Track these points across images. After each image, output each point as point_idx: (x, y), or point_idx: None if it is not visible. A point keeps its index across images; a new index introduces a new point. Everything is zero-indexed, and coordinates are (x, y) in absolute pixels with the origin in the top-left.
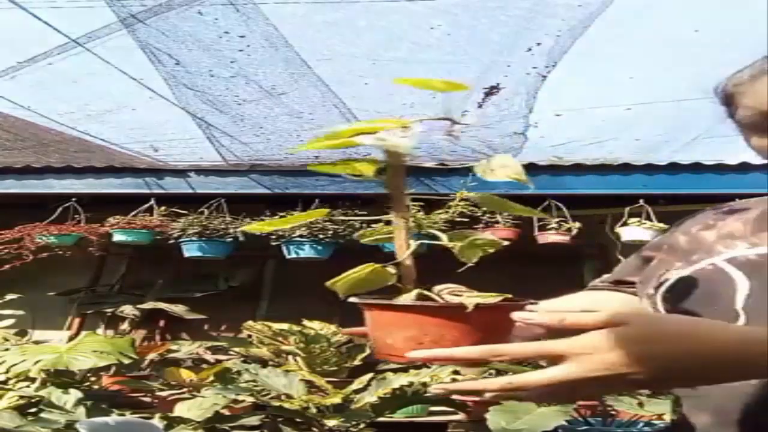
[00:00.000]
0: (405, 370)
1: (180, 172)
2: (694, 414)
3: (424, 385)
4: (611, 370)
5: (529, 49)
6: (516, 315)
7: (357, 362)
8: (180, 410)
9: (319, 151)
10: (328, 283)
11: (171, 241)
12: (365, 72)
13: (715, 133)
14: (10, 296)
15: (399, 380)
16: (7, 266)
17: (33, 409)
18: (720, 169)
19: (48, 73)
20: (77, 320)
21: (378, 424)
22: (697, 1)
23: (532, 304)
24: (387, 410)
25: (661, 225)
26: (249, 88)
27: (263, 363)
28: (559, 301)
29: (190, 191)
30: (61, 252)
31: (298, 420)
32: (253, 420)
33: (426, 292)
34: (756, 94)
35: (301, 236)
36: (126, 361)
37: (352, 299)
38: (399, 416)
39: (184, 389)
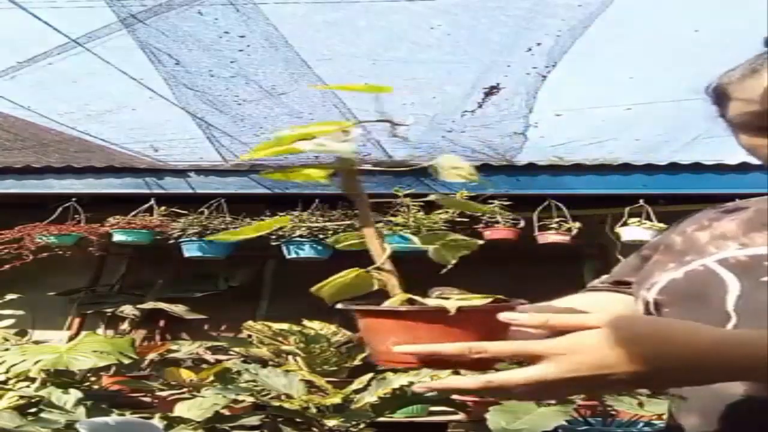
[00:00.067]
0: (405, 370)
1: (180, 172)
2: (683, 416)
3: None
4: (587, 371)
5: (529, 49)
6: (502, 316)
7: (357, 362)
8: (180, 410)
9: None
10: (313, 289)
11: (171, 241)
12: (365, 72)
13: (715, 133)
14: (10, 296)
15: (399, 380)
16: (7, 266)
17: (33, 409)
18: (720, 169)
19: (48, 73)
20: (77, 320)
21: (378, 424)
22: (697, 1)
23: (522, 304)
24: (387, 410)
25: (661, 225)
26: (249, 88)
27: (263, 363)
28: (559, 302)
29: (190, 191)
30: (61, 252)
31: (298, 420)
32: (253, 420)
33: (414, 297)
34: (746, 93)
35: (301, 236)
36: (126, 361)
37: (338, 305)
38: (399, 416)
39: (184, 389)
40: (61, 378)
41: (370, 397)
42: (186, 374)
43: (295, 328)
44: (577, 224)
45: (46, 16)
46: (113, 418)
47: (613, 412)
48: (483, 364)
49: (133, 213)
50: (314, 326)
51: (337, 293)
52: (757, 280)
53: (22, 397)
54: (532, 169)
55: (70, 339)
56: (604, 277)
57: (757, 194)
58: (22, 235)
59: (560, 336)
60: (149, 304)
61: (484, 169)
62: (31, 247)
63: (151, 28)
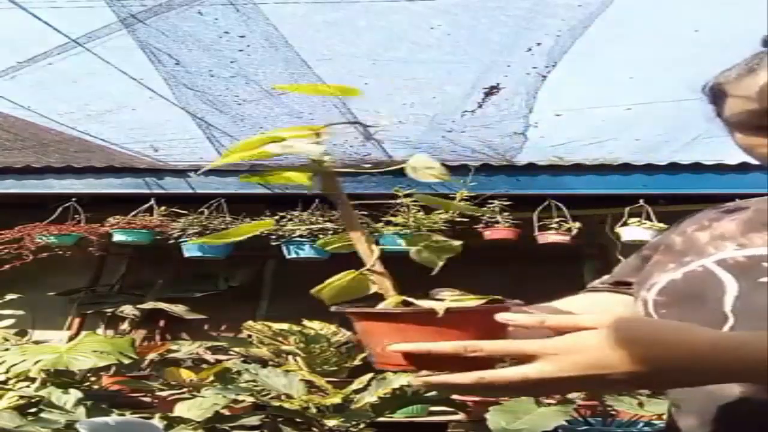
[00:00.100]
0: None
1: (180, 172)
2: (681, 417)
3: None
4: (583, 371)
5: (529, 49)
6: (499, 317)
7: (357, 362)
8: (180, 410)
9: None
10: (313, 291)
11: (171, 241)
12: (365, 72)
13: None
14: (10, 296)
15: (399, 380)
16: (7, 266)
17: (33, 409)
18: (720, 169)
19: (48, 73)
20: (77, 320)
21: (378, 424)
22: (697, 1)
23: (518, 305)
24: (387, 410)
25: (661, 225)
26: (249, 88)
27: (263, 363)
28: (559, 303)
29: (190, 191)
30: (61, 252)
31: (298, 420)
32: (253, 420)
33: (408, 299)
34: (742, 92)
35: (301, 236)
36: (126, 361)
37: (332, 308)
38: (399, 416)
39: (184, 389)
40: (61, 378)
41: (370, 397)
42: (186, 374)
43: (295, 328)
44: (577, 224)
45: (46, 16)
46: (113, 418)
47: (613, 412)
48: (480, 364)
49: (133, 213)
50: (314, 326)
51: (337, 295)
52: (755, 281)
53: (22, 397)
54: (532, 169)
55: (70, 339)
56: (604, 278)
57: (757, 194)
58: (22, 235)
59: (557, 336)
60: (149, 304)
61: (484, 169)
62: (31, 247)
63: (151, 28)
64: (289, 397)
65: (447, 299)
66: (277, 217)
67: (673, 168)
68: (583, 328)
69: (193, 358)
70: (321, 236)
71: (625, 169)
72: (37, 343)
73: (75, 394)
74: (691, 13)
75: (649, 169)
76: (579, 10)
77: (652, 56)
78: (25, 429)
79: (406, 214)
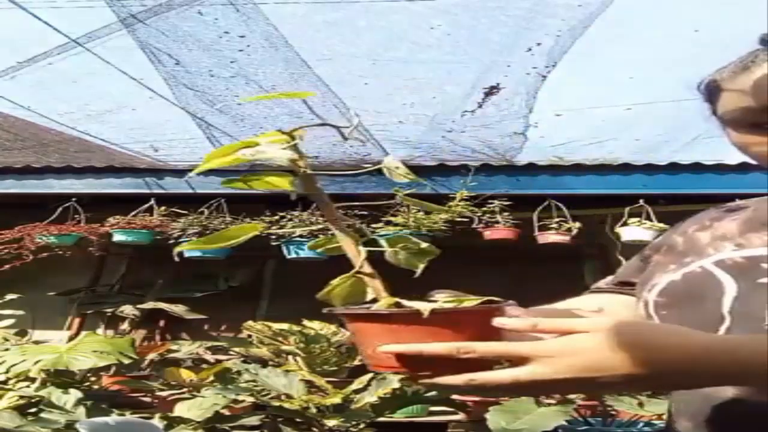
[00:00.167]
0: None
1: (180, 172)
2: (678, 418)
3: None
4: (575, 373)
5: (529, 49)
6: (496, 321)
7: (357, 362)
8: (180, 410)
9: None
10: (319, 295)
11: (171, 241)
12: (365, 72)
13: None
14: (10, 296)
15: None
16: (7, 266)
17: (33, 409)
18: (720, 169)
19: (48, 73)
20: (77, 320)
21: (378, 424)
22: (697, 1)
23: (510, 305)
24: (387, 410)
25: (661, 225)
26: (249, 88)
27: (263, 363)
28: (562, 304)
29: (190, 191)
30: (61, 252)
31: (298, 420)
32: (253, 420)
33: (401, 300)
34: (736, 89)
35: (301, 236)
36: (126, 361)
37: (324, 309)
38: (399, 416)
39: (184, 389)
40: (61, 378)
41: (370, 397)
42: (186, 374)
43: (295, 328)
44: (577, 224)
45: (46, 16)
46: (113, 418)
47: (613, 412)
48: (473, 366)
49: (133, 213)
50: (314, 326)
51: (346, 298)
52: (754, 282)
53: (22, 397)
54: (532, 169)
55: (70, 339)
56: (608, 278)
57: (758, 194)
58: (22, 235)
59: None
60: (149, 304)
61: (484, 169)
62: (31, 247)
63: (151, 28)
64: (289, 397)
65: (440, 300)
66: (276, 217)
67: (673, 168)
68: (576, 332)
69: (193, 358)
70: (321, 236)
71: (625, 169)
72: (37, 343)
73: (75, 394)
74: (691, 13)
75: (649, 169)
76: (579, 10)
77: (652, 56)
78: (25, 429)
79: (406, 214)
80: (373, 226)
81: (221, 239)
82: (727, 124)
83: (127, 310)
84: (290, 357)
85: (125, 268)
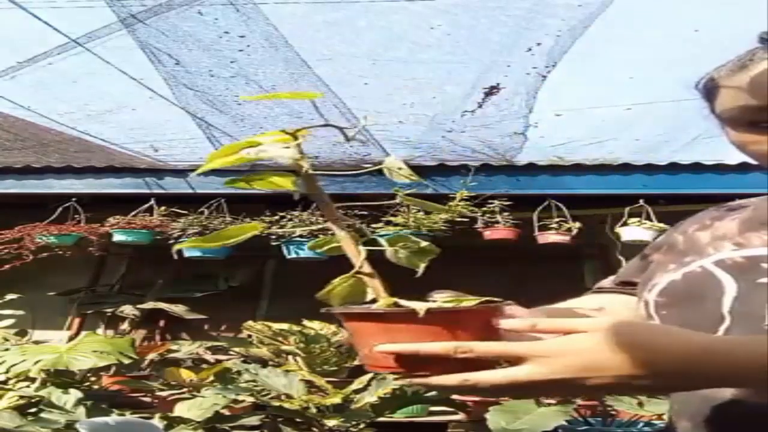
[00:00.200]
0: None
1: (180, 172)
2: (678, 419)
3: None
4: (572, 374)
5: (529, 49)
6: (504, 323)
7: (357, 362)
8: (180, 410)
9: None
10: (319, 295)
11: (171, 241)
12: (365, 72)
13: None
14: (10, 296)
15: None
16: (7, 266)
17: (33, 409)
18: (720, 169)
19: (48, 73)
20: (77, 320)
21: (378, 424)
22: (697, 1)
23: (509, 305)
24: (387, 410)
25: (661, 225)
26: (249, 88)
27: (263, 363)
28: (565, 304)
29: (190, 191)
30: (61, 252)
31: (298, 420)
32: (253, 420)
33: (399, 300)
34: (735, 88)
35: (301, 236)
36: (126, 361)
37: (322, 309)
38: (399, 416)
39: (184, 389)
40: (61, 378)
41: (370, 397)
42: (186, 374)
43: (295, 328)
44: (577, 224)
45: (46, 16)
46: (113, 418)
47: (613, 412)
48: (471, 366)
49: (133, 213)
50: (314, 326)
51: (345, 299)
52: (754, 282)
53: (22, 397)
54: (532, 169)
55: (70, 339)
56: (610, 278)
57: (758, 194)
58: (22, 235)
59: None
60: (149, 304)
61: (484, 169)
62: (31, 247)
63: (151, 28)
64: (289, 397)
65: (439, 301)
66: (276, 217)
67: (673, 168)
68: (575, 332)
69: (193, 358)
70: (321, 236)
71: (625, 169)
72: (37, 343)
73: (75, 394)
74: (691, 13)
75: (649, 169)
76: (579, 10)
77: (652, 56)
78: (25, 429)
79: (406, 214)
80: (373, 226)
81: (221, 238)
82: (726, 123)
83: (127, 310)
84: (290, 357)
85: (125, 268)
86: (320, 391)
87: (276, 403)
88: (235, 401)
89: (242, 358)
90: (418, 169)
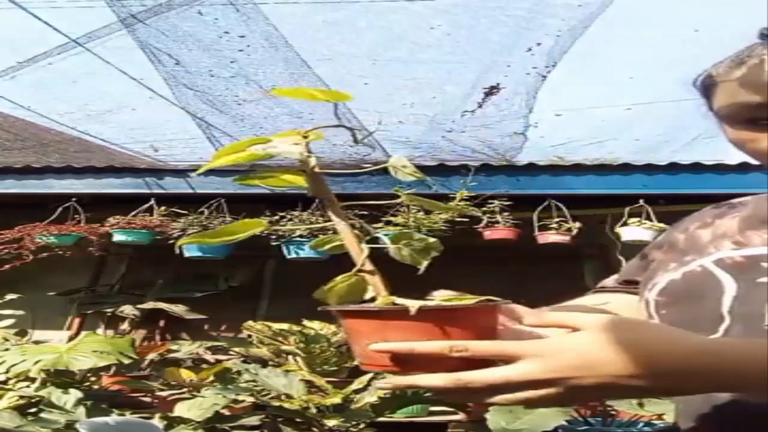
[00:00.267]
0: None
1: (180, 172)
2: (680, 418)
3: None
4: (562, 372)
5: (529, 49)
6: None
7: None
8: (180, 410)
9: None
10: (316, 293)
11: (171, 241)
12: (365, 72)
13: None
14: (10, 296)
15: None
16: (7, 266)
17: (33, 409)
18: (720, 169)
19: (48, 73)
20: (77, 320)
21: (378, 424)
22: (697, 1)
23: (506, 304)
24: (387, 410)
25: (661, 225)
26: (249, 88)
27: (263, 363)
28: (567, 304)
29: (190, 191)
30: (61, 252)
31: (298, 420)
32: (253, 420)
33: (397, 299)
34: (732, 85)
35: (301, 236)
36: (126, 361)
37: (319, 307)
38: (399, 416)
39: (184, 389)
40: (61, 378)
41: (370, 397)
42: (186, 374)
43: (295, 328)
44: (577, 224)
45: (46, 16)
46: (113, 418)
47: (613, 412)
48: (468, 366)
49: (133, 213)
50: (314, 326)
51: (342, 298)
52: (753, 282)
53: (22, 397)
54: (532, 169)
55: (70, 339)
56: (614, 277)
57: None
58: (22, 235)
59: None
60: (149, 304)
61: (484, 169)
62: (31, 247)
63: (151, 28)
64: (289, 397)
65: (436, 299)
66: (276, 217)
67: (673, 168)
68: (576, 329)
69: (193, 358)
70: (321, 236)
71: (625, 169)
72: (37, 343)
73: (75, 394)
74: (691, 13)
75: (649, 169)
76: (579, 10)
77: (652, 56)
78: (25, 429)
79: (406, 214)
80: (374, 226)
81: (224, 234)
82: (723, 120)
83: (127, 310)
84: (290, 357)
85: (125, 268)
86: (320, 391)
87: (276, 403)
88: (235, 401)
89: (242, 358)
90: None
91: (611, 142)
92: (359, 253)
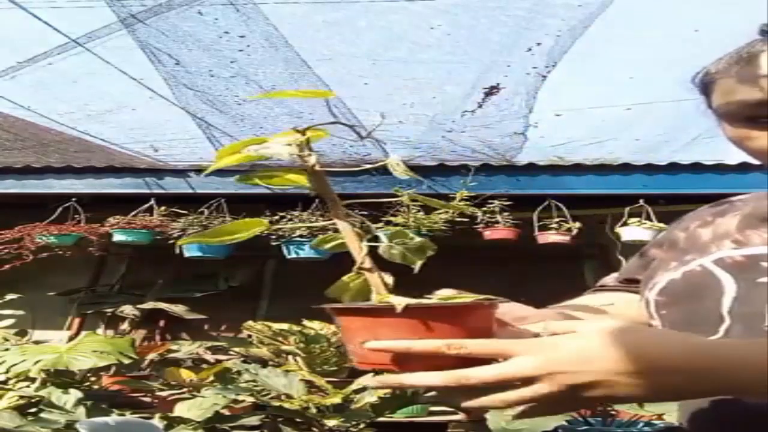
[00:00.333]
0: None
1: (180, 172)
2: (682, 418)
3: None
4: (557, 367)
5: (529, 49)
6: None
7: None
8: (180, 410)
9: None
10: (330, 291)
11: (171, 241)
12: (365, 72)
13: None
14: (10, 296)
15: None
16: (7, 266)
17: (33, 409)
18: (720, 169)
19: (48, 73)
20: (77, 320)
21: (378, 424)
22: (697, 1)
23: (503, 302)
24: (387, 410)
25: (661, 225)
26: (249, 88)
27: (263, 363)
28: (570, 303)
29: (190, 191)
30: (61, 252)
31: (298, 420)
32: (253, 420)
33: (392, 297)
34: (733, 82)
35: (301, 236)
36: (126, 361)
37: (316, 306)
38: (399, 416)
39: (184, 389)
40: (61, 378)
41: (370, 397)
42: (186, 374)
43: (295, 328)
44: (577, 224)
45: (46, 16)
46: (113, 418)
47: (613, 412)
48: (463, 366)
49: (133, 213)
50: (314, 326)
51: (356, 296)
52: (753, 282)
53: (22, 397)
54: (532, 169)
55: (70, 339)
56: (613, 275)
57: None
58: (22, 235)
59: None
60: (149, 304)
61: (484, 169)
62: (31, 247)
63: (151, 28)
64: (289, 397)
65: (433, 298)
66: (277, 217)
67: (673, 168)
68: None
69: (193, 358)
70: (321, 236)
71: (625, 169)
72: (37, 343)
73: (75, 394)
74: (691, 13)
75: (649, 169)
76: (579, 10)
77: (652, 56)
78: (25, 429)
79: (406, 214)
80: (374, 225)
81: (225, 233)
82: (722, 118)
83: (127, 310)
84: (290, 357)
85: (125, 268)
86: (320, 391)
87: (276, 403)
88: (235, 401)
89: (242, 358)
90: (418, 169)
91: (611, 142)
92: (359, 251)
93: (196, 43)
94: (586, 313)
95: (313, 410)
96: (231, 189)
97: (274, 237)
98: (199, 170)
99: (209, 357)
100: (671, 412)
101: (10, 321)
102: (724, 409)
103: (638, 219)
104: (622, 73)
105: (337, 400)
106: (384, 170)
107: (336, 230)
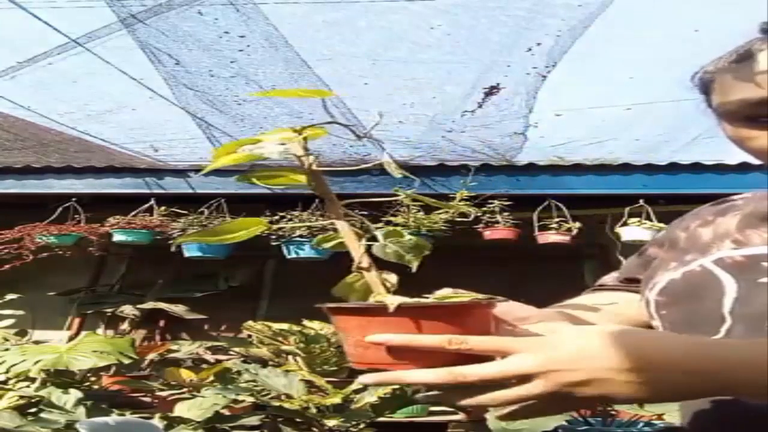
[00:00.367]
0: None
1: (180, 172)
2: (683, 418)
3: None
4: (556, 365)
5: (529, 49)
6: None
7: None
8: (180, 410)
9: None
10: (336, 290)
11: (171, 241)
12: (365, 72)
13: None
14: (10, 296)
15: None
16: (7, 266)
17: (33, 409)
18: (720, 169)
19: (48, 73)
20: (77, 320)
21: (378, 424)
22: (697, 1)
23: (501, 301)
24: (387, 410)
25: (661, 225)
26: (249, 88)
27: (263, 363)
28: (568, 303)
29: (190, 191)
30: (61, 252)
31: (298, 420)
32: (253, 420)
33: (389, 296)
34: (732, 81)
35: (301, 236)
36: (126, 361)
37: (316, 305)
38: (399, 416)
39: (184, 389)
40: (61, 378)
41: (370, 397)
42: (186, 374)
43: (295, 328)
44: (577, 224)
45: (46, 16)
46: (113, 418)
47: (613, 412)
48: (466, 361)
49: (133, 213)
50: (314, 326)
51: (365, 295)
52: (754, 282)
53: (22, 397)
54: (532, 169)
55: (70, 339)
56: (613, 274)
57: None
58: (22, 235)
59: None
60: (149, 304)
61: (484, 169)
62: (31, 247)
63: (151, 28)
64: (289, 397)
65: (431, 298)
66: (277, 217)
67: (673, 168)
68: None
69: (193, 358)
70: (321, 235)
71: (625, 169)
72: (37, 343)
73: (75, 394)
74: (691, 13)
75: (649, 169)
76: (579, 10)
77: (652, 56)
78: (25, 429)
79: (406, 214)
80: (374, 226)
81: (225, 232)
82: (722, 117)
83: (127, 310)
84: (290, 357)
85: (125, 268)
86: (320, 391)
87: (276, 403)
88: (235, 401)
89: (242, 358)
90: (418, 169)
91: (611, 142)
92: (357, 250)
93: (196, 43)
94: (587, 313)
95: (313, 410)
96: (231, 189)
97: (274, 237)
98: (199, 170)
99: (209, 357)
100: (671, 412)
101: (10, 321)
102: (725, 409)
103: (638, 219)
104: (622, 73)
105: (337, 400)
106: (383, 170)
107: (336, 230)
